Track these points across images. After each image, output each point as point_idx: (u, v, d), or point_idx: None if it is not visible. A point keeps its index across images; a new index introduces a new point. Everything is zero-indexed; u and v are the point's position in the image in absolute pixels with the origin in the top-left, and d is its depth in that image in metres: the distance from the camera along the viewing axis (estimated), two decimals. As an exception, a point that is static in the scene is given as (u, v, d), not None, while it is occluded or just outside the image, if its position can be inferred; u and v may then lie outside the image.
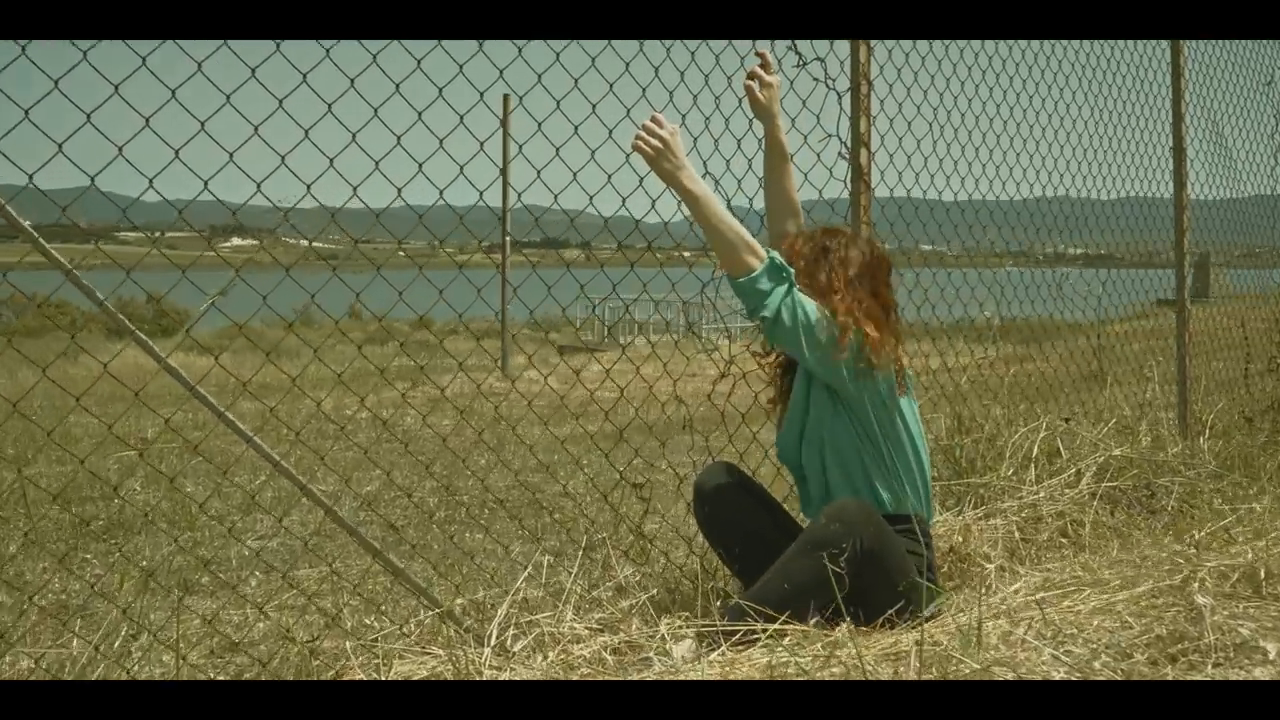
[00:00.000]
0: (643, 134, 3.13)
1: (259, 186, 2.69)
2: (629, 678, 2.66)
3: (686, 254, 4.38)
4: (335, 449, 8.55)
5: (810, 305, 3.14)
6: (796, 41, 3.77)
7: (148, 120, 2.49)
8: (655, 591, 3.35)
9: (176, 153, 2.56)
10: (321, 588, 4.88)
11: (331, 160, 2.75)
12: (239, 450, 8.60)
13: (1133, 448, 5.23)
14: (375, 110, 2.87)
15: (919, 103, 4.32)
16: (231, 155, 2.62)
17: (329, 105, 2.75)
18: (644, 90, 3.53)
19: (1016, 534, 4.23)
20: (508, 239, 14.52)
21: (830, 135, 3.95)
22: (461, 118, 3.05)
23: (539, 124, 3.33)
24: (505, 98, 14.16)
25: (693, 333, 4.38)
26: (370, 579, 4.93)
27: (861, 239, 3.43)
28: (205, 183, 2.62)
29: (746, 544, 3.43)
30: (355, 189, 2.87)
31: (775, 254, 3.15)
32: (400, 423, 10.01)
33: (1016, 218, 5.36)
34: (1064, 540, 4.39)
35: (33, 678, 2.98)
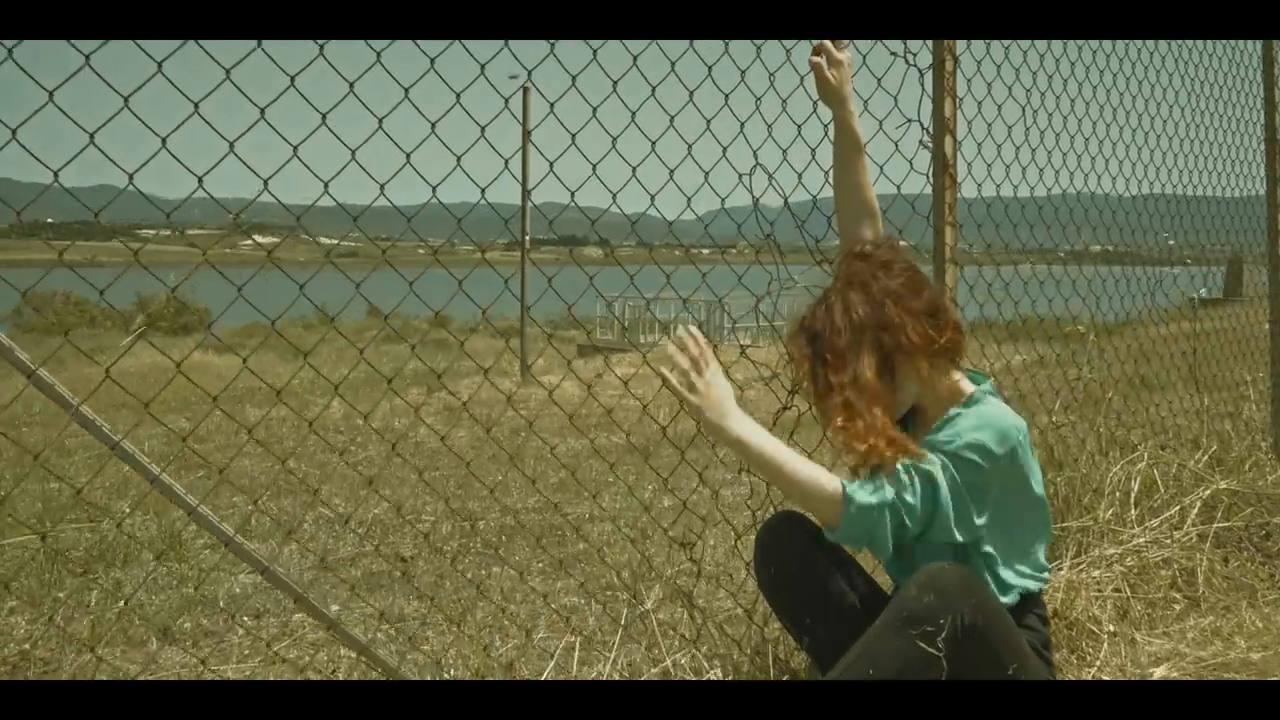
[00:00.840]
0: (679, 360, 2.52)
1: (266, 185, 2.20)
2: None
3: (706, 251, 3.80)
4: (342, 465, 7.96)
5: (917, 495, 2.49)
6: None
7: (126, 100, 1.91)
8: (711, 675, 2.74)
9: (164, 141, 2.02)
10: (320, 635, 4.29)
11: (353, 153, 2.25)
12: (239, 464, 8.06)
13: (1239, 480, 4.61)
14: (406, 91, 2.34)
15: (1010, 83, 3.70)
16: (232, 145, 2.08)
17: (350, 85, 2.22)
18: (673, 64, 2.91)
19: (1126, 590, 3.61)
20: (527, 237, 13.98)
21: (910, 120, 3.32)
22: (460, 83, 2.44)
23: (551, 105, 2.72)
24: (525, 90, 13.58)
25: (745, 357, 3.68)
26: (379, 623, 4.34)
27: (839, 303, 2.61)
28: (199, 180, 2.08)
29: (820, 614, 2.81)
30: (382, 187, 2.33)
31: (853, 489, 2.49)
32: (414, 433, 9.42)
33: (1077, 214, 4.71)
34: (1176, 595, 3.78)
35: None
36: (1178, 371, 5.80)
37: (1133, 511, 4.16)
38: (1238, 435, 5.37)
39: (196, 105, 1.96)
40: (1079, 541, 3.88)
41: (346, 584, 5.02)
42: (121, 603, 4.81)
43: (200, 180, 2.01)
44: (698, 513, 3.35)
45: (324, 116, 2.14)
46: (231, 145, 2.04)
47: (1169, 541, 4.02)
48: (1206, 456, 4.72)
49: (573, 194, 2.62)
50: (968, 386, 2.74)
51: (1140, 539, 4.00)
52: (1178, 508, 4.23)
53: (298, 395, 11.52)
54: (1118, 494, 4.20)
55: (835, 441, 2.57)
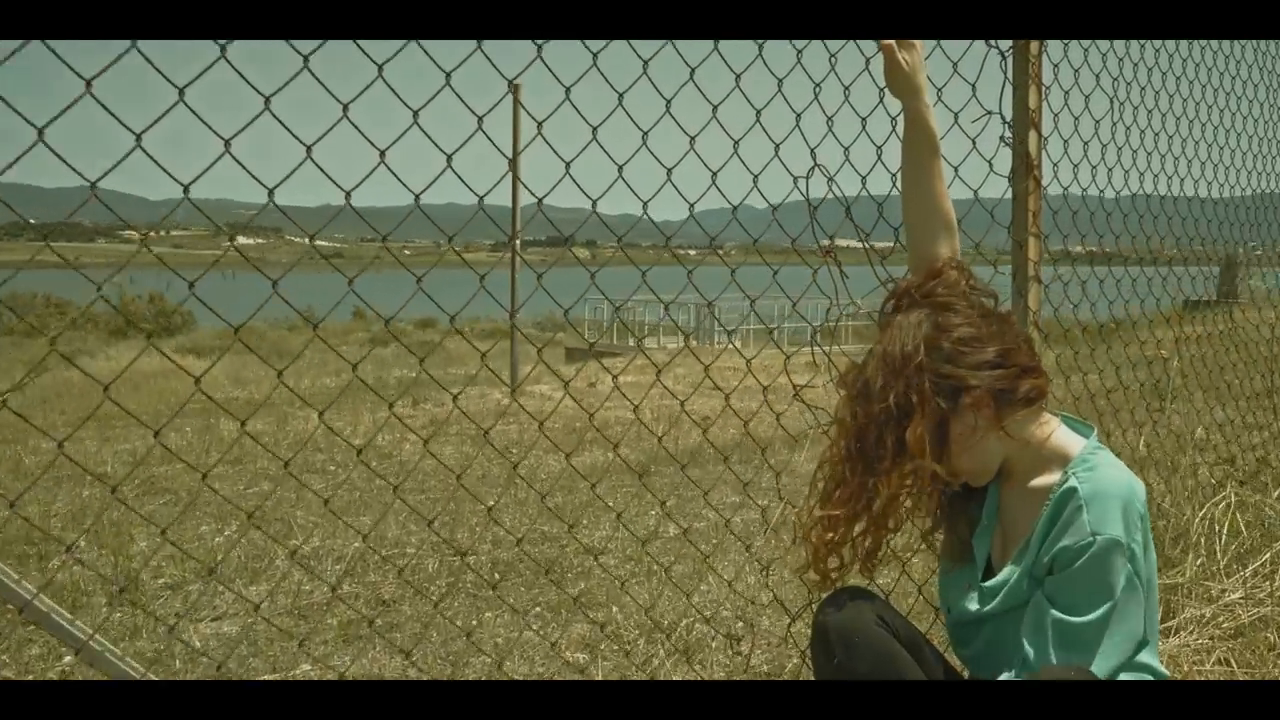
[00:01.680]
0: None
1: (187, 193, 1.69)
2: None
3: (694, 252, 3.34)
4: (323, 487, 7.39)
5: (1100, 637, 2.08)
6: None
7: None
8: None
9: (36, 141, 1.47)
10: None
11: (309, 149, 1.74)
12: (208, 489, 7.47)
13: (1327, 519, 4.11)
14: (380, 69, 1.84)
15: (1097, 71, 3.17)
16: (139, 138, 1.53)
17: (305, 59, 1.71)
18: (716, 43, 2.36)
19: (1232, 663, 3.11)
20: (517, 241, 13.38)
21: (989, 112, 2.79)
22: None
23: (567, 91, 2.18)
24: (515, 86, 13.02)
25: (799, 400, 3.07)
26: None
27: (874, 377, 2.17)
28: (91, 185, 1.55)
29: (895, 717, 2.29)
30: (348, 196, 1.81)
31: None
32: (398, 451, 8.85)
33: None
34: (1281, 662, 3.28)
35: None
36: (1197, 379, 5.28)
37: (1220, 561, 3.66)
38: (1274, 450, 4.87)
39: (88, 85, 1.41)
40: (1167, 601, 3.38)
41: (322, 634, 4.48)
42: (64, 657, 4.26)
43: (92, 188, 1.46)
44: (701, 544, 2.80)
45: (267, 100, 1.61)
46: (138, 138, 1.49)
47: (1264, 596, 3.52)
48: (1289, 492, 4.22)
49: (594, 202, 2.09)
50: (1071, 442, 2.24)
51: (1232, 594, 3.49)
52: (1268, 554, 3.73)
53: (276, 407, 10.92)
54: (1202, 541, 3.70)
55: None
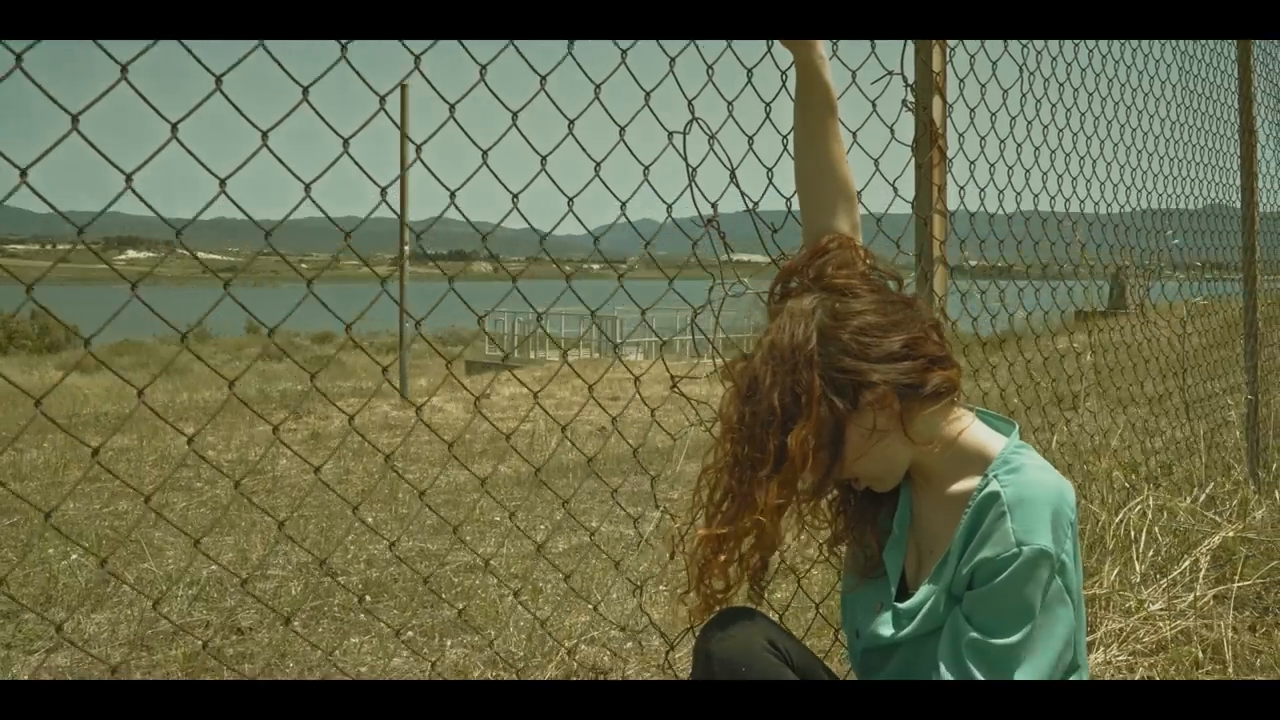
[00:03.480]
0: None
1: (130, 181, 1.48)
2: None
3: (596, 266, 3.13)
4: (186, 506, 6.87)
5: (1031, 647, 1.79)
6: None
7: None
8: None
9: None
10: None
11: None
12: (62, 507, 6.91)
13: (1243, 523, 3.92)
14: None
15: (996, 57, 2.88)
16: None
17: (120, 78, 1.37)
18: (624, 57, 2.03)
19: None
20: (406, 248, 12.96)
21: (890, 72, 2.48)
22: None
23: (451, 108, 1.83)
24: (404, 87, 12.56)
25: (677, 391, 2.76)
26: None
27: (763, 374, 1.86)
28: None
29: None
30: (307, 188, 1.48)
31: None
32: (271, 467, 8.33)
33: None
34: (1206, 679, 3.05)
35: None
36: (1094, 386, 5.11)
37: (1138, 568, 3.42)
38: (1177, 455, 4.70)
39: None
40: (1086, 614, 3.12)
41: (165, 666, 4.02)
42: None
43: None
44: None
45: (76, 116, 1.29)
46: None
47: (1185, 607, 3.29)
48: (1204, 496, 4.02)
49: (487, 233, 1.72)
50: (990, 441, 1.94)
51: (1153, 605, 3.25)
52: (1188, 562, 3.51)
53: (148, 421, 10.28)
54: (1119, 548, 3.46)
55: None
